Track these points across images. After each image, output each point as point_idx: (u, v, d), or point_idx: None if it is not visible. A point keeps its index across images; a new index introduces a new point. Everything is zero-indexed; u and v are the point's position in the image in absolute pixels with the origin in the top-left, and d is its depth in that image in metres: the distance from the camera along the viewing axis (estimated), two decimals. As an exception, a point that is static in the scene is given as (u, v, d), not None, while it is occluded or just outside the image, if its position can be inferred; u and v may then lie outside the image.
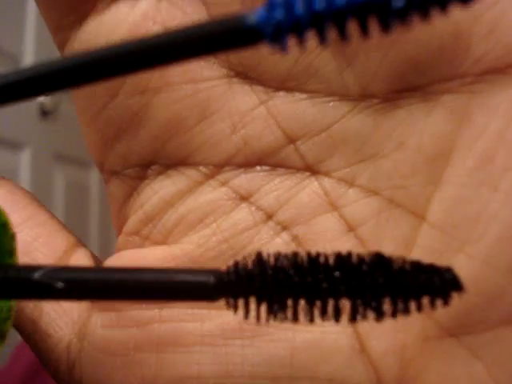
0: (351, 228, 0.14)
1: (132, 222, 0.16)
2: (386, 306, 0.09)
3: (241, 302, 0.10)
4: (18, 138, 1.14)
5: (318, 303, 0.10)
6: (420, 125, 0.13)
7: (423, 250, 0.13)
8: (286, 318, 0.10)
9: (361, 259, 0.10)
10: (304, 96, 0.14)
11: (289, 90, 0.14)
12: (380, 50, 0.13)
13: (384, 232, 0.14)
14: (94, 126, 0.15)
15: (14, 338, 0.18)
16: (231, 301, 0.10)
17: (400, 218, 0.14)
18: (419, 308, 0.09)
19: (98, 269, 0.11)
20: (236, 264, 0.10)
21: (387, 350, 0.13)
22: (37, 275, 0.11)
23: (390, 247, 0.14)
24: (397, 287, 0.09)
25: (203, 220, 0.15)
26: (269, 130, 0.14)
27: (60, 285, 0.11)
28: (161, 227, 0.15)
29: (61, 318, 0.16)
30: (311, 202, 0.14)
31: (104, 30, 0.14)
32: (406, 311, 0.09)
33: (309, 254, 0.10)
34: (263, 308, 0.10)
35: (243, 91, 0.14)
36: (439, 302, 0.09)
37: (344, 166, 0.14)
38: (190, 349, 0.14)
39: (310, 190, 0.14)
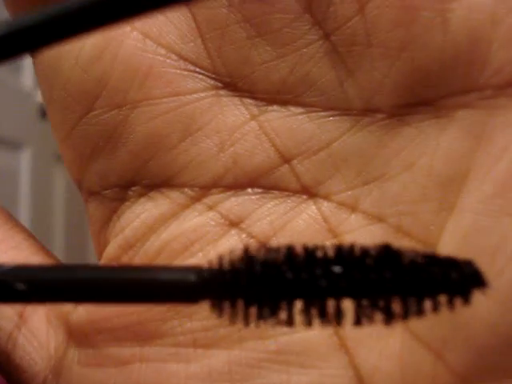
0: None
1: (112, 248, 0.14)
2: (396, 306, 0.08)
3: (227, 304, 0.09)
4: (18, 138, 1.14)
5: (316, 303, 0.08)
6: (432, 144, 0.12)
7: None
8: (279, 322, 0.08)
9: (365, 252, 0.08)
10: (300, 110, 0.13)
11: (283, 103, 0.13)
12: (386, 58, 0.12)
13: None
14: (69, 142, 0.14)
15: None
16: (216, 302, 0.09)
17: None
18: (435, 308, 0.08)
19: (65, 267, 0.10)
20: (220, 259, 0.09)
21: None
22: (-6, 275, 0.09)
23: None
24: (408, 284, 0.08)
25: (188, 248, 0.13)
26: (261, 148, 0.13)
27: (20, 286, 0.09)
28: (142, 255, 0.14)
29: (36, 352, 0.14)
30: (308, 229, 0.13)
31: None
32: (420, 312, 0.08)
33: (305, 247, 0.09)
34: (252, 310, 0.08)
35: (232, 105, 0.13)
36: (458, 301, 0.08)
37: (345, 188, 0.13)
38: None
39: (307, 215, 0.13)
